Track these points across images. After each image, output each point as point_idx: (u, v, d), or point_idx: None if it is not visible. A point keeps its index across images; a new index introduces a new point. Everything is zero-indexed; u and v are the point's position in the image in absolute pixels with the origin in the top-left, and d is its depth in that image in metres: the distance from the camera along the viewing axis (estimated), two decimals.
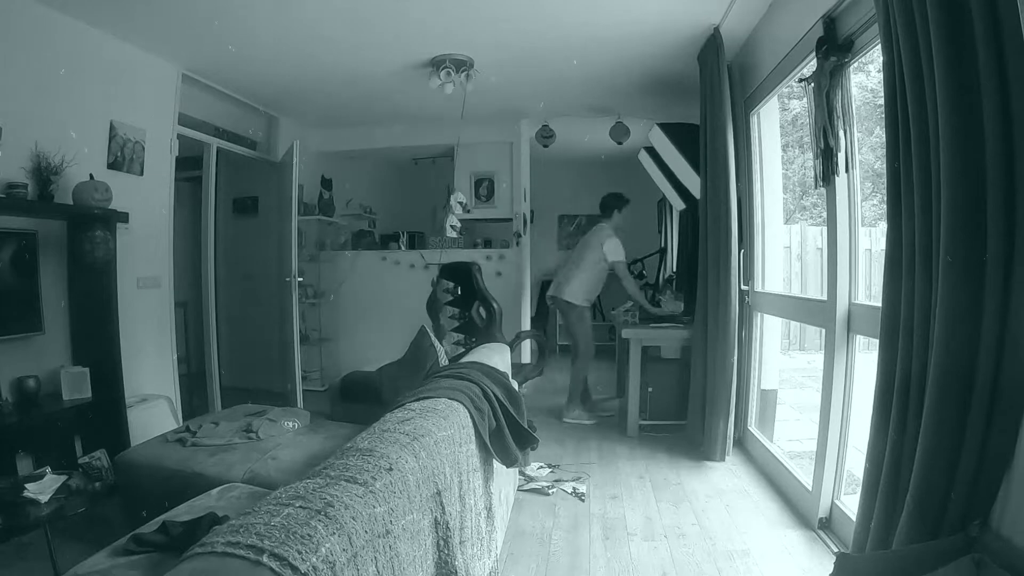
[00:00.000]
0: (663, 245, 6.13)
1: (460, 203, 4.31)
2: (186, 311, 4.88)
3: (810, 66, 2.30)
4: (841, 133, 2.05)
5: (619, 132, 4.63)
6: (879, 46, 1.62)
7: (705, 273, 3.20)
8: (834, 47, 2.04)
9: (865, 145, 3.36)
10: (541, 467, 3.01)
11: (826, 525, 2.26)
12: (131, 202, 2.99)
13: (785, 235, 4.79)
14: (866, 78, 3.18)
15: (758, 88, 3.03)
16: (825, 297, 2.31)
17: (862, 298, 2.17)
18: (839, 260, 2.19)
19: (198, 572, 0.81)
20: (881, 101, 1.62)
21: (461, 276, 3.34)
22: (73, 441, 2.65)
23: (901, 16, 1.41)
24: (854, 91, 2.10)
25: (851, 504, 2.10)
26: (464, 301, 3.29)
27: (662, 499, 2.65)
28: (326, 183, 5.33)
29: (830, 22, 2.12)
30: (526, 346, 4.98)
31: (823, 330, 2.34)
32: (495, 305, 3.23)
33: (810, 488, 2.36)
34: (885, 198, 1.60)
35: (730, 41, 3.01)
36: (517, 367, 3.20)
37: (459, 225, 4.35)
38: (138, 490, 2.10)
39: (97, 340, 2.78)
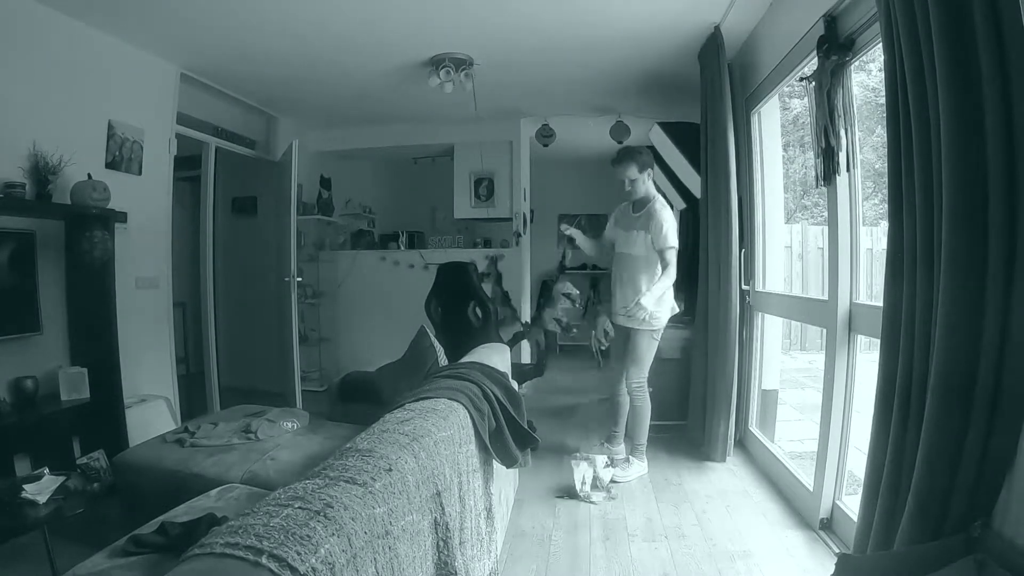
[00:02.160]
0: None
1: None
2: (185, 311, 4.87)
3: (811, 65, 2.29)
4: (842, 132, 2.05)
5: (619, 131, 4.62)
6: (880, 45, 1.61)
7: (706, 273, 3.20)
8: (835, 46, 2.04)
9: (866, 144, 3.35)
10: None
11: (827, 526, 2.26)
12: (129, 202, 2.99)
13: (786, 234, 4.78)
14: (867, 77, 3.18)
15: (759, 87, 3.02)
16: (826, 297, 2.30)
17: (863, 298, 2.16)
18: (840, 260, 2.19)
19: (197, 573, 0.80)
20: (882, 100, 1.61)
21: (457, 276, 3.33)
22: (71, 442, 2.65)
23: (902, 15, 1.40)
24: (855, 90, 2.09)
25: (852, 504, 2.09)
26: (460, 301, 3.29)
27: (663, 500, 2.64)
28: (325, 183, 5.32)
29: (831, 21, 2.11)
30: (526, 346, 4.97)
31: (824, 330, 2.33)
32: (491, 306, 3.23)
33: (811, 488, 2.36)
34: (886, 197, 1.59)
35: (731, 40, 3.00)
36: (517, 367, 3.19)
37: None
38: (137, 491, 2.10)
39: (95, 340, 2.77)
